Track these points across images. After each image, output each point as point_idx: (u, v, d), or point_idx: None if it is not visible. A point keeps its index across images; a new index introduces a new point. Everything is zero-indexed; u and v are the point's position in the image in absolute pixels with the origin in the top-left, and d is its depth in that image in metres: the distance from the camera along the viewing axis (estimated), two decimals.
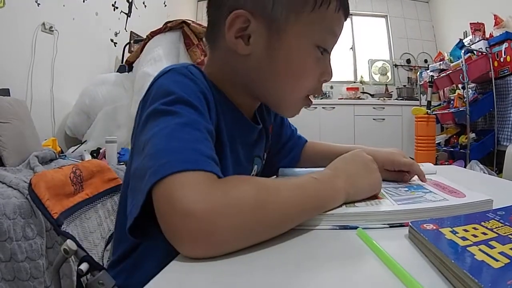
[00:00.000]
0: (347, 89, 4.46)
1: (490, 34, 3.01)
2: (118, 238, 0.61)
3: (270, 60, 0.52)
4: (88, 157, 2.10)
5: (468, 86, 2.97)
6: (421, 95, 4.16)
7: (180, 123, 0.42)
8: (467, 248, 0.31)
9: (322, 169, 0.50)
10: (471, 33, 3.22)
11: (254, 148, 0.65)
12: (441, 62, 3.52)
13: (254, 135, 0.64)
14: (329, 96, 4.66)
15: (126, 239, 0.43)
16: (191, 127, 0.42)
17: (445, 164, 2.99)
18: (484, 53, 2.88)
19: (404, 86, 4.61)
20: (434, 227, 0.37)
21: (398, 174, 0.63)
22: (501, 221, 0.38)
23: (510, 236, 0.34)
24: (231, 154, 0.55)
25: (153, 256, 0.52)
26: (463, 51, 2.96)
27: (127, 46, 3.34)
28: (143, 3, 3.77)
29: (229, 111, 0.57)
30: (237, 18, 0.50)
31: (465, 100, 2.98)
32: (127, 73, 2.73)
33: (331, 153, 0.76)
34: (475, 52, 2.96)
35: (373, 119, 4.13)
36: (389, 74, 4.76)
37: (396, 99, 4.40)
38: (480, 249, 0.31)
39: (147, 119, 0.45)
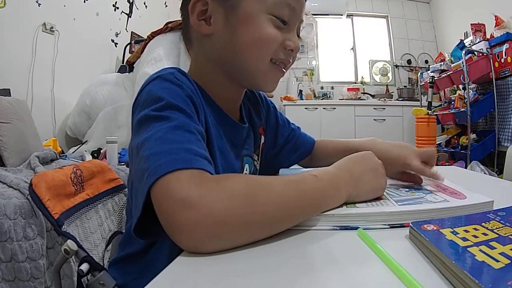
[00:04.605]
0: (348, 89, 4.45)
1: (491, 35, 3.00)
2: (127, 238, 0.62)
3: (231, 35, 0.56)
4: (88, 157, 2.10)
5: (469, 86, 2.96)
6: (422, 95, 4.15)
7: (171, 127, 0.44)
8: (468, 249, 0.31)
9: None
10: (472, 34, 3.21)
11: (243, 148, 0.66)
12: (442, 63, 3.51)
13: (242, 134, 0.66)
14: (329, 96, 4.66)
15: (136, 241, 0.45)
16: (182, 129, 0.44)
17: (445, 165, 2.99)
18: (484, 54, 2.87)
19: (405, 86, 4.61)
20: (435, 228, 0.37)
21: (410, 176, 0.62)
22: (501, 221, 0.38)
23: (510, 236, 0.34)
24: (220, 154, 0.57)
25: (162, 261, 0.52)
26: (463, 51, 2.95)
27: (128, 47, 3.35)
28: (144, 3, 3.78)
29: (215, 112, 0.59)
30: (197, 3, 0.56)
31: (465, 100, 2.97)
32: (127, 73, 2.74)
33: (344, 149, 0.74)
34: (476, 53, 2.95)
35: (374, 119, 4.13)
36: (389, 74, 4.76)
37: (396, 99, 4.38)
38: (480, 250, 0.31)
39: (139, 125, 0.47)
